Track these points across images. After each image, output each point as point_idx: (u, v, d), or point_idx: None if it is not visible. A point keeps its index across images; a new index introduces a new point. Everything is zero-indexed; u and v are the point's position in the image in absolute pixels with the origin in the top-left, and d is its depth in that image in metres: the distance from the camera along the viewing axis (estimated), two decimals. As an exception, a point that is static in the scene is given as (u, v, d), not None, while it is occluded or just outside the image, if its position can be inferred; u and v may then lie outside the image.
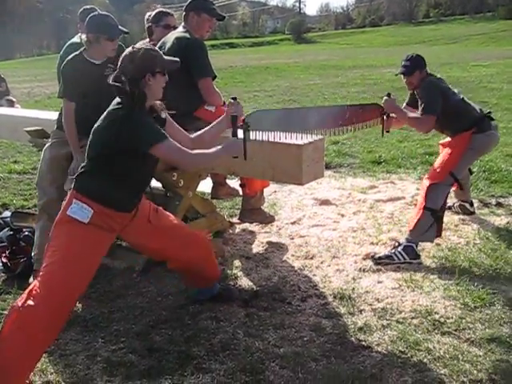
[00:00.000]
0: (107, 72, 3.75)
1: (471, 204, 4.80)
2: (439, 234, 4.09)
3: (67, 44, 4.38)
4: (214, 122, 3.08)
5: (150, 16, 4.50)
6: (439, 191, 4.03)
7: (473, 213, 4.79)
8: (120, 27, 3.72)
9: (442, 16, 58.02)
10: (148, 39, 4.43)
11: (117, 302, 3.50)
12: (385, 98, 4.12)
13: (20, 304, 2.55)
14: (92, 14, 3.70)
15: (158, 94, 2.79)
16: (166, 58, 2.82)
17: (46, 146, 3.97)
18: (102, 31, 3.60)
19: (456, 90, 4.23)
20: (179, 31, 3.95)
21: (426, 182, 4.11)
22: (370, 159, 6.78)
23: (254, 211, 4.32)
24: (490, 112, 4.30)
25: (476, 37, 35.65)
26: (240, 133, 3.01)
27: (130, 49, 2.76)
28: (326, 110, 3.94)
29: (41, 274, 2.64)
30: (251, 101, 12.46)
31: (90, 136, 2.77)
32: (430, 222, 3.98)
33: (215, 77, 3.93)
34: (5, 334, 2.54)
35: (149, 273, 3.80)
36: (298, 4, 73.38)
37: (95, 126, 2.75)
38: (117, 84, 2.68)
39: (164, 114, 2.94)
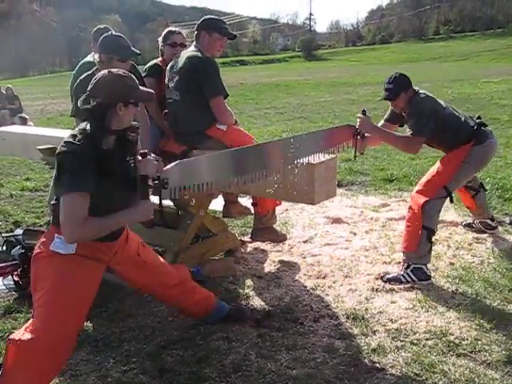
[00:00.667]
0: None
1: (492, 219, 4.73)
2: None
3: (80, 63, 4.42)
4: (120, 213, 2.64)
5: (161, 35, 4.54)
6: (434, 208, 3.91)
7: (495, 227, 4.71)
8: (132, 48, 3.74)
9: (451, 33, 58.14)
10: (160, 58, 4.45)
11: (128, 321, 3.47)
12: (359, 115, 3.87)
13: (17, 338, 2.47)
14: (105, 35, 3.72)
15: (124, 123, 2.62)
16: (142, 89, 2.69)
17: None
18: (114, 52, 3.62)
19: (444, 104, 4.05)
20: (191, 50, 3.96)
21: (418, 198, 3.94)
22: (382, 177, 6.75)
23: (265, 230, 4.30)
24: (479, 118, 4.16)
25: (486, 53, 35.65)
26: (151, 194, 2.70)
27: (105, 72, 2.61)
28: (307, 136, 3.47)
29: (35, 313, 2.55)
30: (262, 118, 12.49)
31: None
32: (429, 244, 3.90)
33: (227, 95, 3.93)
34: (8, 368, 2.49)
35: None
36: (308, 21, 73.90)
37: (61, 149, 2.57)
38: (85, 106, 2.56)
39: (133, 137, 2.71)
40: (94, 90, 2.56)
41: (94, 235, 2.59)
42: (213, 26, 3.96)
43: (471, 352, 3.00)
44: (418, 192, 4.01)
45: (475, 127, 4.04)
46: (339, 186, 6.26)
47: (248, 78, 25.44)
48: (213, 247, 4.11)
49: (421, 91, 4.01)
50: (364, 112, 3.87)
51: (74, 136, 2.53)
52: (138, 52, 3.79)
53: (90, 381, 2.89)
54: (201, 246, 4.10)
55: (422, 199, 3.91)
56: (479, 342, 3.08)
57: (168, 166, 2.79)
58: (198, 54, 3.88)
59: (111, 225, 2.62)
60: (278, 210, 5.41)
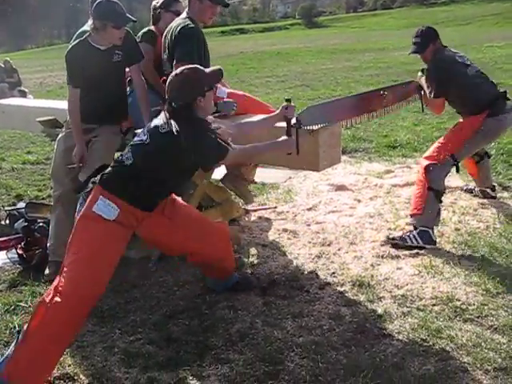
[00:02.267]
0: (115, 59, 3.71)
1: (493, 189, 4.69)
2: None
3: (77, 33, 4.33)
4: (264, 117, 3.24)
5: (157, 2, 4.40)
6: (439, 172, 3.90)
7: (495, 197, 4.67)
8: (128, 15, 3.65)
9: (454, -3, 57.28)
10: (153, 26, 4.33)
11: (133, 292, 3.47)
12: (419, 73, 4.16)
13: (48, 300, 2.58)
14: (99, 1, 3.60)
15: (210, 109, 2.90)
16: (208, 72, 2.86)
17: (60, 136, 3.93)
18: (108, 18, 3.53)
19: (469, 64, 4.05)
20: (181, 17, 3.84)
21: (423, 162, 3.97)
22: (386, 143, 6.69)
23: (239, 179, 4.23)
24: (505, 91, 4.11)
25: (490, 17, 35.13)
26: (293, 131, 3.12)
27: (173, 75, 2.81)
28: (367, 95, 4.00)
29: (66, 269, 2.65)
30: (263, 86, 12.37)
31: (137, 139, 2.82)
32: (437, 206, 3.89)
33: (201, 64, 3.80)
34: (33, 328, 2.56)
35: (165, 262, 3.77)
36: (308, -12, 72.73)
37: (149, 135, 2.78)
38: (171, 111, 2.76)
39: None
40: (171, 95, 2.78)
41: (258, 154, 3.18)
42: None
43: (478, 317, 2.99)
44: (425, 157, 4.01)
45: (495, 98, 4.00)
46: (343, 153, 6.17)
47: (248, 46, 25.16)
48: (216, 216, 4.08)
49: (449, 49, 4.07)
50: (423, 70, 4.15)
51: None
52: (134, 19, 3.69)
53: (97, 351, 2.89)
54: (205, 215, 4.06)
55: (427, 162, 3.92)
56: (485, 307, 3.07)
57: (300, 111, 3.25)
58: (185, 21, 3.73)
59: (266, 150, 3.11)
60: (281, 177, 5.40)
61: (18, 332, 2.63)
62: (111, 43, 3.64)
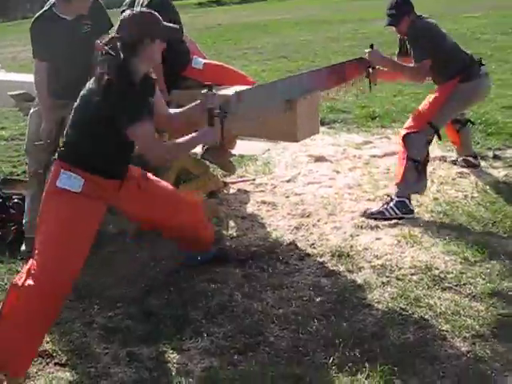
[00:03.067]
0: (84, 29, 3.58)
1: (475, 157, 4.70)
2: (425, 186, 4.00)
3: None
4: (188, 106, 2.94)
5: None
6: (418, 141, 3.88)
7: (478, 165, 4.68)
8: None
9: (432, -33, 57.13)
10: None
11: (111, 268, 3.43)
12: (368, 50, 3.97)
13: (20, 283, 2.48)
14: None
15: (155, 59, 2.71)
16: (167, 24, 2.71)
17: (32, 110, 3.82)
18: None
19: (444, 32, 4.07)
20: None
21: (402, 132, 3.97)
22: (364, 114, 6.65)
23: (220, 152, 4.19)
24: (480, 59, 4.12)
25: (467, -13, 35.08)
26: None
27: (129, 11, 2.67)
28: (308, 75, 3.56)
29: (36, 251, 2.56)
30: (241, 58, 12.22)
31: (75, 103, 2.67)
32: (415, 173, 3.88)
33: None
34: (7, 312, 2.48)
35: (142, 236, 3.72)
36: (285, -42, 71.98)
37: (81, 93, 2.65)
38: (109, 52, 2.59)
39: (155, 83, 2.86)
40: (120, 29, 2.62)
41: (177, 153, 2.96)
42: None
43: (456, 285, 3.01)
44: (404, 128, 4.01)
45: (466, 63, 4.00)
46: (321, 124, 6.15)
47: (225, 18, 24.80)
48: (195, 189, 4.04)
49: (424, 17, 4.02)
50: (372, 46, 3.99)
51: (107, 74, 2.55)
52: None
53: (75, 328, 2.87)
54: (184, 188, 4.02)
55: (404, 131, 3.92)
56: (464, 276, 3.09)
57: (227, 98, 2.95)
58: None
59: (186, 146, 2.86)
60: (260, 149, 5.36)
61: None
62: (78, 13, 3.50)
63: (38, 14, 3.58)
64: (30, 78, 4.87)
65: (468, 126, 4.58)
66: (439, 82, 4.05)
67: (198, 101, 2.87)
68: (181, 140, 2.78)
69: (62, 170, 2.61)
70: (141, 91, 2.64)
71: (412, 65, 3.96)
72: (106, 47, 2.59)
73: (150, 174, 3.02)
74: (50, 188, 2.65)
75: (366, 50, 3.99)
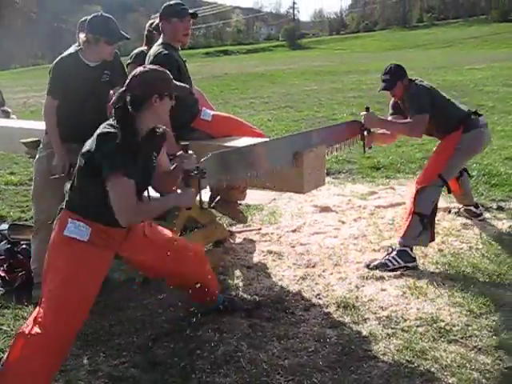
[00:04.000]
0: (103, 78, 3.68)
1: (476, 206, 4.75)
2: (432, 239, 4.04)
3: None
4: (166, 171, 2.89)
5: (151, 25, 4.40)
6: (428, 195, 3.96)
7: (480, 215, 4.73)
8: (121, 32, 3.60)
9: (435, 20, 58.16)
10: (145, 46, 4.34)
11: (117, 314, 3.44)
12: (363, 113, 4.04)
13: (27, 331, 2.49)
14: (94, 15, 3.58)
15: (162, 117, 2.72)
16: (176, 83, 2.74)
17: (37, 157, 3.84)
18: (102, 33, 3.48)
19: (438, 90, 4.18)
20: (157, 44, 3.82)
21: (415, 187, 4.03)
22: (369, 165, 6.74)
23: (230, 203, 4.24)
24: (476, 110, 4.23)
25: (470, 40, 35.75)
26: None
27: (140, 68, 2.70)
28: (302, 136, 3.56)
29: (43, 299, 2.58)
30: (247, 107, 12.43)
31: (81, 151, 2.69)
32: (420, 227, 3.93)
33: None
34: (13, 361, 2.48)
35: (149, 284, 3.75)
36: (291, 10, 73.40)
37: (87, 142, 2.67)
38: (117, 105, 2.62)
39: (162, 139, 2.86)
40: (130, 84, 2.63)
41: (148, 216, 2.80)
42: (169, 12, 3.77)
43: (462, 338, 3.00)
44: (416, 183, 4.08)
45: (465, 114, 4.12)
46: (327, 174, 6.24)
47: (232, 67, 25.31)
48: (201, 238, 4.08)
49: (417, 80, 4.13)
50: (367, 109, 4.04)
51: (112, 126, 2.58)
52: (127, 36, 3.65)
53: (81, 375, 2.86)
54: (189, 237, 4.06)
55: (417, 187, 4.00)
56: (470, 328, 3.09)
57: (204, 158, 2.92)
58: (159, 49, 3.71)
59: (161, 207, 2.77)
60: (266, 199, 5.42)
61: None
62: (101, 58, 3.59)
63: (64, 55, 3.63)
64: (41, 125, 4.98)
65: (466, 175, 4.64)
66: (442, 136, 4.15)
67: (175, 164, 2.84)
68: (154, 203, 2.77)
69: (69, 219, 2.63)
70: (143, 147, 2.65)
71: (407, 120, 4.04)
72: (114, 102, 2.63)
73: (154, 223, 3.04)
74: (57, 237, 2.66)
75: (362, 113, 4.07)
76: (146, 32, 4.42)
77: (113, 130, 2.55)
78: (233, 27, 66.89)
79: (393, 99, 4.34)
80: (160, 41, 3.80)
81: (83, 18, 4.27)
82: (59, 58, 3.65)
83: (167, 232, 3.12)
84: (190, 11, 3.88)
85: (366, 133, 4.06)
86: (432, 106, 3.96)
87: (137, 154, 2.59)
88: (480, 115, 4.20)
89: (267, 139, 3.40)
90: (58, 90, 3.58)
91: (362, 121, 4.03)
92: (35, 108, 15.02)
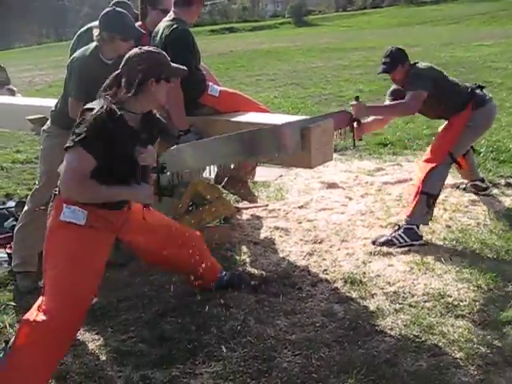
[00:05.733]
0: None
1: (482, 180, 4.73)
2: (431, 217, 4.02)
3: (80, 32, 4.20)
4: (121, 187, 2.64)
5: None
6: (437, 174, 3.94)
7: (487, 188, 4.71)
8: (137, 27, 3.53)
9: (443, -4, 57.51)
10: (140, 22, 4.23)
11: (124, 290, 3.46)
12: (352, 102, 3.86)
13: (32, 319, 2.45)
14: (107, 11, 3.48)
15: (159, 100, 2.67)
16: (173, 65, 2.68)
17: (46, 142, 3.73)
18: (117, 31, 3.38)
19: (442, 71, 4.10)
20: (167, 19, 3.73)
21: (424, 166, 4.00)
22: (376, 141, 6.69)
23: (240, 183, 4.22)
24: (479, 85, 4.19)
25: (477, 16, 35.25)
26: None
27: (136, 50, 2.63)
28: (288, 126, 3.21)
29: (46, 286, 2.54)
30: (253, 85, 12.35)
31: None
32: (426, 207, 3.91)
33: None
34: (19, 347, 2.45)
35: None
36: (297, -13, 72.72)
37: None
38: (111, 87, 2.56)
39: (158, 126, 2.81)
40: (125, 67, 2.58)
41: (91, 198, 2.56)
42: None
43: (469, 313, 3.01)
44: (424, 161, 4.04)
45: (470, 90, 4.08)
46: (334, 151, 6.20)
47: (238, 45, 25.10)
48: (208, 214, 4.07)
49: (419, 63, 4.05)
50: (357, 98, 3.89)
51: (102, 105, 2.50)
52: (143, 31, 3.59)
53: (89, 350, 2.89)
54: (196, 214, 4.06)
55: (428, 166, 3.95)
56: (477, 303, 3.09)
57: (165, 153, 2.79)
58: (173, 24, 3.64)
59: (110, 195, 2.60)
60: (272, 175, 5.40)
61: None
62: (118, 53, 3.43)
63: (86, 54, 3.50)
64: (47, 102, 4.96)
65: (471, 151, 4.60)
66: (452, 115, 4.08)
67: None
68: (106, 189, 2.55)
69: (64, 205, 2.57)
70: (136, 132, 2.60)
71: (399, 100, 4.00)
72: (109, 84, 2.57)
73: (150, 207, 2.97)
74: (53, 223, 2.61)
75: (351, 103, 3.88)
76: (140, 6, 4.30)
77: (97, 109, 2.48)
78: (238, 4, 66.28)
79: (392, 87, 4.29)
80: (173, 15, 3.74)
81: (114, 1, 4.18)
82: (81, 57, 3.51)
83: (165, 217, 3.10)
84: None
85: (355, 124, 3.84)
86: (436, 88, 3.89)
87: (122, 137, 2.50)
88: (483, 88, 4.16)
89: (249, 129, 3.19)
90: (83, 93, 3.38)
91: (352, 111, 3.82)
92: (41, 87, 14.99)
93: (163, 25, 3.70)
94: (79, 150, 2.44)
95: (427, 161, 4.02)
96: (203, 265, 3.19)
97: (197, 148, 3.06)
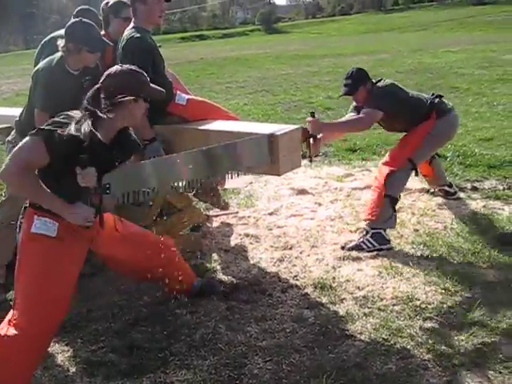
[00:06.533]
0: (85, 84, 3.53)
1: (450, 185, 4.81)
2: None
3: (45, 40, 4.15)
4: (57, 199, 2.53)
5: (106, 5, 4.24)
6: (398, 178, 3.99)
7: (455, 193, 4.78)
8: (104, 39, 3.50)
9: (410, 3, 58.28)
10: (103, 31, 4.18)
11: (95, 300, 3.43)
12: (308, 118, 3.80)
13: (2, 334, 2.43)
14: (73, 22, 3.45)
15: (135, 119, 2.65)
16: (152, 86, 2.68)
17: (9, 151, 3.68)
18: (84, 43, 3.35)
19: (403, 87, 4.18)
20: (128, 28, 3.68)
21: (383, 169, 4.05)
22: (345, 147, 6.76)
23: (210, 191, 4.22)
24: (439, 94, 4.28)
25: (445, 23, 35.86)
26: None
27: (117, 66, 2.63)
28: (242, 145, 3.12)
29: (17, 300, 2.51)
30: (223, 92, 12.37)
31: None
32: (391, 210, 3.96)
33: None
34: None
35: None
36: (267, -6, 73.07)
37: None
38: (89, 103, 2.53)
39: (132, 144, 2.79)
40: (105, 83, 2.56)
41: (25, 193, 2.53)
42: None
43: (437, 315, 3.05)
44: (384, 164, 4.09)
45: (430, 101, 4.15)
46: (303, 157, 6.24)
47: (208, 52, 25.14)
48: (178, 223, 4.07)
49: (380, 82, 4.11)
50: (313, 114, 3.84)
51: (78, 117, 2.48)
52: (110, 43, 3.56)
53: (59, 362, 2.86)
54: (166, 222, 4.05)
55: (387, 169, 4.00)
56: (445, 306, 3.14)
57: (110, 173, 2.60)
58: (131, 33, 3.59)
59: (44, 200, 2.49)
60: (243, 183, 5.42)
61: None
62: (84, 65, 3.47)
63: (51, 64, 3.46)
64: (12, 111, 4.90)
65: (437, 158, 4.68)
66: (414, 125, 4.14)
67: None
68: (42, 192, 2.47)
69: (35, 216, 2.56)
70: (107, 148, 2.56)
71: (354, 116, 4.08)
72: (88, 99, 2.55)
73: (123, 219, 2.97)
74: (24, 235, 2.59)
75: (308, 119, 3.81)
76: (102, 15, 4.25)
77: (78, 126, 2.43)
78: (208, 12, 66.34)
79: (353, 104, 4.34)
80: (132, 24, 3.72)
81: (79, 8, 4.13)
82: (47, 66, 3.48)
83: (137, 227, 3.10)
84: None
85: (311, 140, 3.75)
86: (396, 105, 3.98)
87: (92, 154, 2.42)
88: (442, 96, 4.25)
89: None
90: (50, 104, 3.38)
91: (308, 127, 3.74)
92: (8, 95, 14.79)
93: (124, 34, 3.68)
94: (39, 141, 2.40)
95: (386, 164, 4.08)
96: (179, 272, 3.19)
97: (157, 166, 2.85)
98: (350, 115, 4.29)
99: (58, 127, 2.43)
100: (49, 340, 2.62)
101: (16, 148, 2.44)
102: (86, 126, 2.44)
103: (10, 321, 2.47)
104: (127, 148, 2.75)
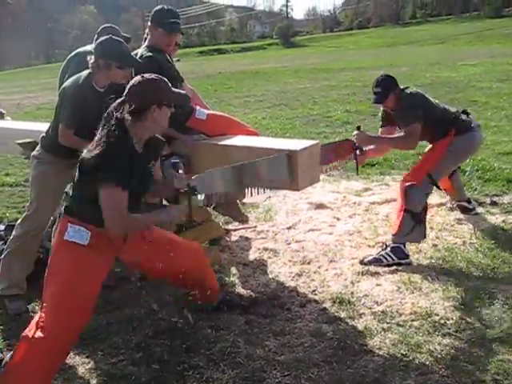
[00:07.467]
0: (111, 101, 3.58)
1: (469, 201, 4.79)
2: (424, 236, 4.07)
3: (73, 54, 4.25)
4: (157, 185, 2.96)
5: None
6: (417, 193, 3.99)
7: (473, 209, 4.76)
8: (133, 55, 3.54)
9: (428, 16, 58.24)
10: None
11: (115, 313, 3.47)
12: (355, 132, 4.03)
13: (30, 335, 2.54)
14: (104, 39, 3.49)
15: (162, 126, 2.76)
16: (174, 90, 2.77)
17: (37, 167, 3.70)
18: (114, 59, 3.37)
19: (428, 96, 4.19)
20: (142, 47, 3.80)
21: (403, 184, 4.07)
22: (364, 162, 6.74)
23: (230, 204, 4.27)
24: (465, 109, 4.28)
25: (463, 36, 35.79)
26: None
27: (138, 77, 2.71)
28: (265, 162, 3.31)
29: (45, 303, 2.62)
30: (242, 106, 12.44)
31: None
32: (412, 224, 3.96)
33: None
34: (18, 363, 2.53)
35: (147, 281, 3.77)
36: (285, 8, 73.37)
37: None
38: (116, 115, 2.63)
39: (161, 148, 2.95)
40: (128, 95, 2.66)
41: (133, 228, 2.78)
42: (158, 19, 3.73)
43: (456, 331, 3.04)
44: (404, 180, 4.12)
45: (454, 116, 4.16)
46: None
47: (226, 66, 25.31)
48: (197, 236, 4.10)
49: (408, 89, 4.14)
50: (358, 128, 4.04)
51: (108, 135, 2.59)
52: (139, 60, 3.59)
53: (79, 374, 2.89)
54: (185, 236, 4.08)
55: (406, 184, 4.02)
56: (463, 321, 3.13)
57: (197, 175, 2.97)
58: (142, 51, 3.70)
59: (148, 223, 2.83)
60: (261, 197, 5.43)
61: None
62: (111, 81, 3.48)
63: (78, 82, 3.50)
64: (36, 126, 4.99)
65: (457, 172, 4.69)
66: (434, 140, 4.19)
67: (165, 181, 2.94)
68: (142, 216, 2.76)
69: (68, 224, 2.67)
70: (141, 156, 2.70)
71: (399, 134, 4.10)
72: (112, 111, 2.65)
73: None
74: (57, 242, 2.72)
75: (354, 133, 4.08)
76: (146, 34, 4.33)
77: (111, 140, 2.57)
78: (226, 26, 66.83)
79: (382, 108, 4.39)
80: (146, 43, 3.79)
81: (102, 26, 4.20)
82: (73, 85, 3.51)
83: (165, 232, 3.14)
84: (179, 28, 3.80)
85: (358, 152, 4.06)
86: (424, 113, 4.00)
87: (134, 164, 2.61)
88: (469, 114, 4.24)
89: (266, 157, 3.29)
90: (75, 121, 3.45)
91: (354, 140, 4.03)
92: (29, 109, 15.00)
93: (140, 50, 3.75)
94: (113, 188, 2.55)
95: (406, 180, 4.09)
96: (209, 280, 3.26)
97: (228, 172, 3.18)
98: (382, 126, 4.38)
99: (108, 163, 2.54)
100: (71, 343, 2.69)
101: (103, 202, 2.57)
102: (126, 139, 2.62)
103: (37, 323, 2.57)
104: (156, 153, 2.90)
